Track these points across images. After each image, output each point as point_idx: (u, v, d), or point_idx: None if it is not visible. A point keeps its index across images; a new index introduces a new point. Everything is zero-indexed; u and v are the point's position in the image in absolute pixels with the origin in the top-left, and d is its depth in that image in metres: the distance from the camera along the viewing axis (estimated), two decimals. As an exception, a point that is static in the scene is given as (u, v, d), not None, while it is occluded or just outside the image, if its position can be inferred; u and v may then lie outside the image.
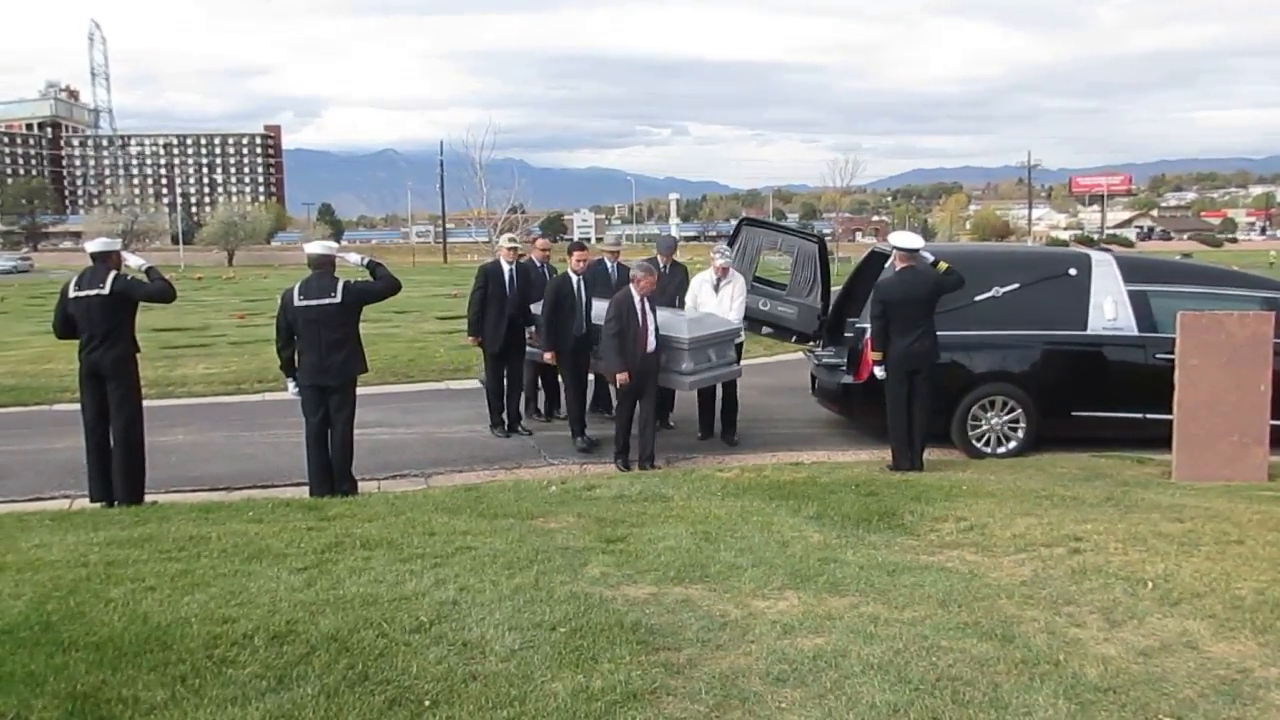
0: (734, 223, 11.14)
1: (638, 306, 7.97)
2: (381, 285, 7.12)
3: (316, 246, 7.22)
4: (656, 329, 8.08)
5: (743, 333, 9.07)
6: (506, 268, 9.24)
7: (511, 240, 9.57)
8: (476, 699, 3.26)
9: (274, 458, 8.53)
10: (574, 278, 8.76)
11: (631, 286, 8.07)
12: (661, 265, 9.64)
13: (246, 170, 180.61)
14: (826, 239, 12.19)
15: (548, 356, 8.84)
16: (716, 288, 9.01)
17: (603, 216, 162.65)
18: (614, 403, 9.45)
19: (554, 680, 3.40)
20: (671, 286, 9.61)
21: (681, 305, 9.43)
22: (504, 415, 9.37)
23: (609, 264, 9.93)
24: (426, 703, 3.24)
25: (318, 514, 6.02)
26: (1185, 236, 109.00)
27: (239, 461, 8.49)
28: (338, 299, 6.84)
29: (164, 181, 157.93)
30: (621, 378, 7.94)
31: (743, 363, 9.28)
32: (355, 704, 3.22)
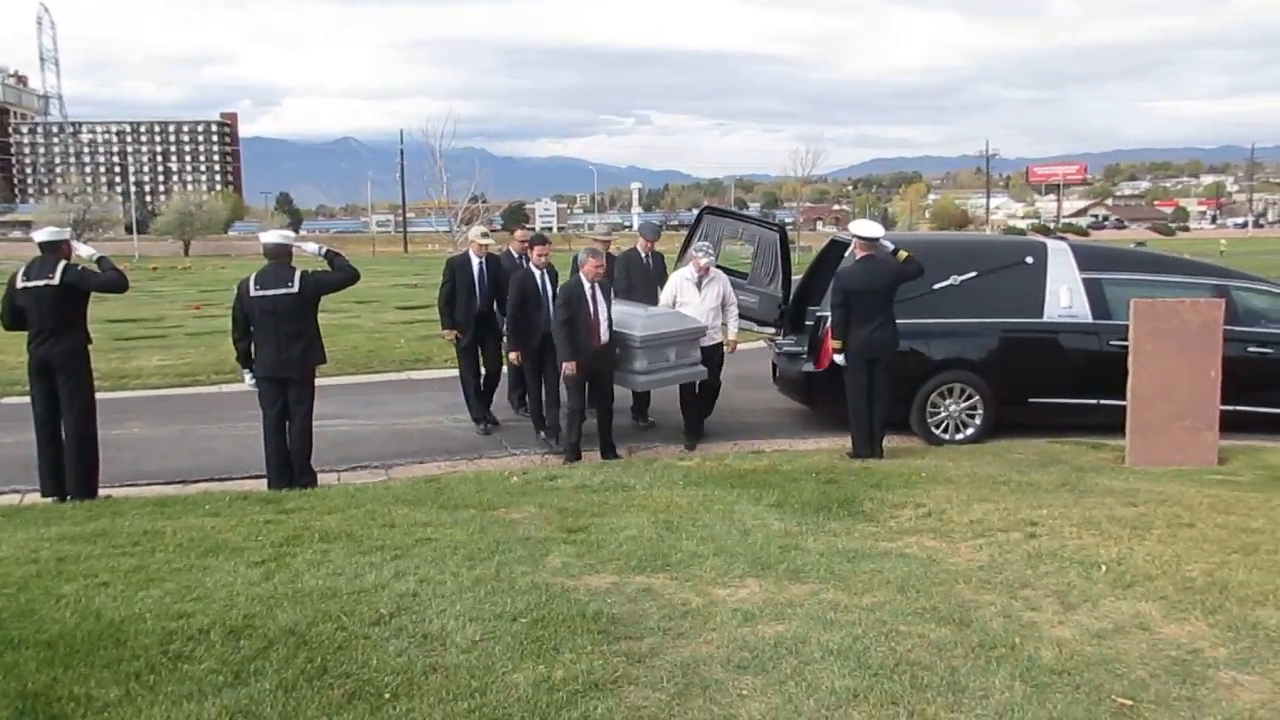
0: (695, 212, 11.09)
1: (588, 294, 7.75)
2: (340, 276, 7.03)
3: (273, 236, 7.13)
4: (610, 319, 7.89)
5: (720, 338, 8.68)
6: (475, 261, 9.02)
7: (485, 236, 9.29)
8: (437, 691, 3.25)
9: (231, 451, 8.42)
10: (537, 273, 8.52)
11: (580, 273, 7.83)
12: (643, 254, 9.34)
13: (203, 159, 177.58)
14: (788, 228, 12.21)
15: (513, 357, 8.63)
16: (699, 286, 8.59)
17: (565, 206, 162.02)
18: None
19: (515, 671, 3.39)
20: (654, 277, 9.27)
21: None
22: (486, 409, 9.13)
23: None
24: (386, 695, 3.22)
25: (276, 507, 5.96)
26: (1140, 226, 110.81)
27: (195, 455, 8.37)
28: (295, 289, 6.75)
29: (117, 170, 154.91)
30: (569, 368, 7.75)
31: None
32: (314, 698, 3.19)
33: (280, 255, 6.91)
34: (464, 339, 9.04)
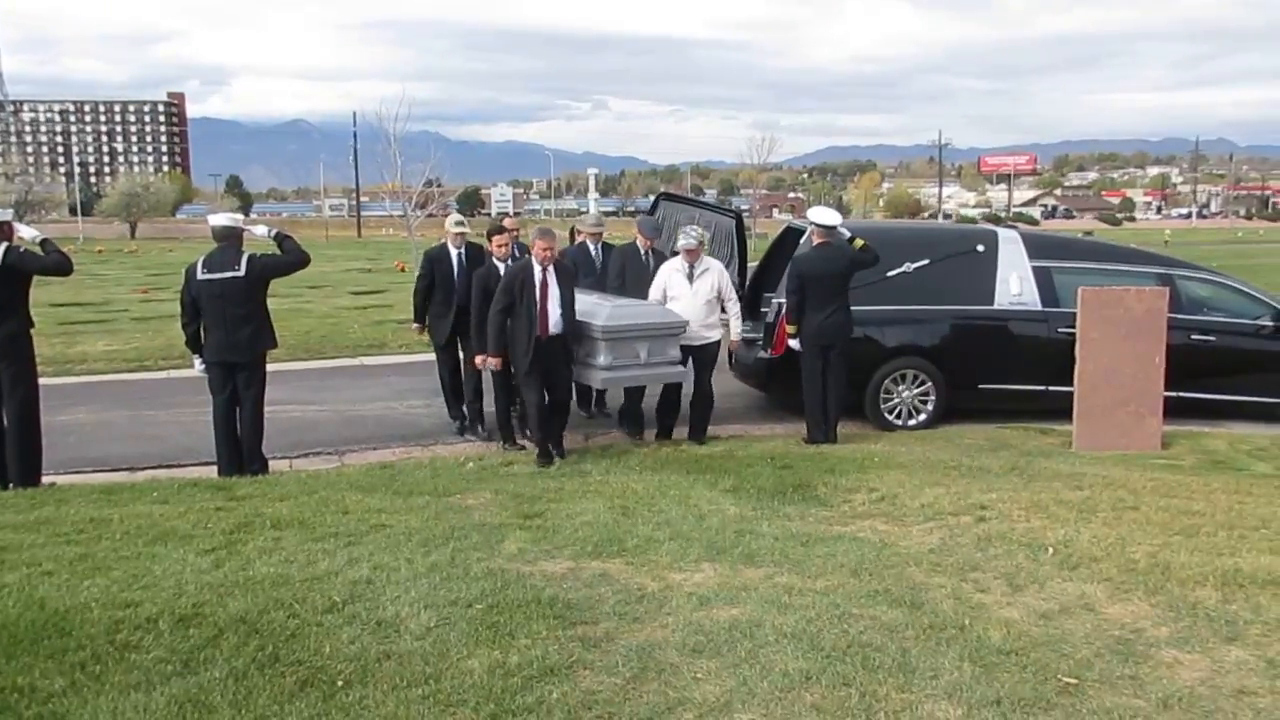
0: (652, 198, 11.05)
1: (537, 280, 6.93)
2: (289, 259, 6.91)
3: (221, 218, 7.01)
4: (566, 309, 7.05)
5: (714, 335, 7.92)
6: (454, 252, 8.32)
7: (460, 225, 8.49)
8: (391, 678, 3.23)
9: (180, 437, 8.27)
10: (500, 267, 7.66)
11: (531, 256, 7.07)
12: (642, 251, 8.45)
13: (149, 140, 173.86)
14: (744, 215, 12.24)
15: (477, 361, 7.65)
16: (690, 278, 7.72)
17: (521, 191, 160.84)
18: (601, 399, 8.98)
19: (470, 657, 3.38)
20: (651, 277, 8.24)
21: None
22: (464, 409, 8.42)
23: (591, 246, 8.84)
24: (339, 683, 3.19)
25: (226, 494, 5.88)
26: (1088, 215, 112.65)
27: (143, 441, 8.22)
28: (241, 273, 6.64)
29: (60, 150, 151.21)
30: (493, 362, 7.17)
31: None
32: (265, 686, 3.15)
33: (228, 238, 6.80)
34: (442, 336, 8.32)
